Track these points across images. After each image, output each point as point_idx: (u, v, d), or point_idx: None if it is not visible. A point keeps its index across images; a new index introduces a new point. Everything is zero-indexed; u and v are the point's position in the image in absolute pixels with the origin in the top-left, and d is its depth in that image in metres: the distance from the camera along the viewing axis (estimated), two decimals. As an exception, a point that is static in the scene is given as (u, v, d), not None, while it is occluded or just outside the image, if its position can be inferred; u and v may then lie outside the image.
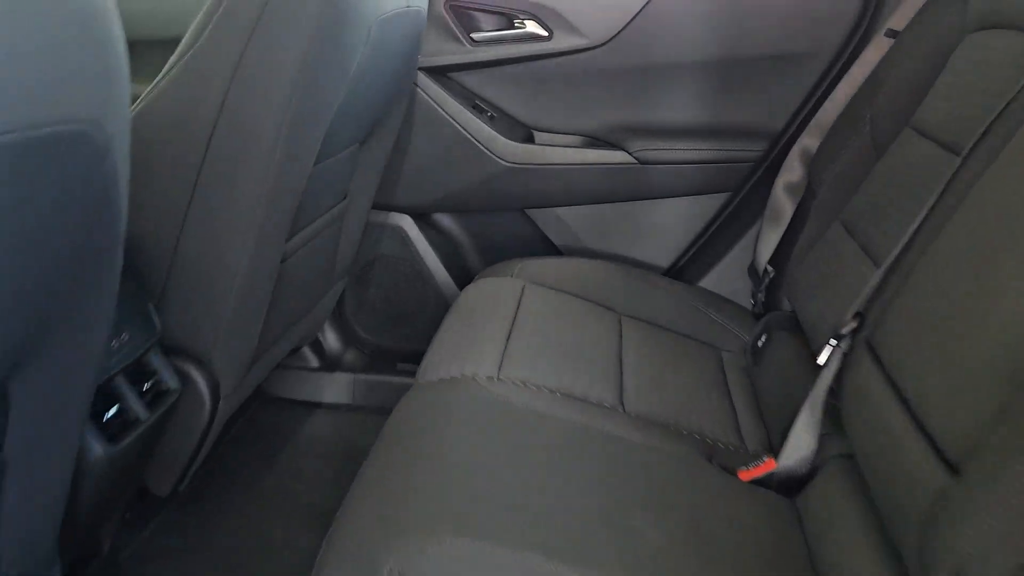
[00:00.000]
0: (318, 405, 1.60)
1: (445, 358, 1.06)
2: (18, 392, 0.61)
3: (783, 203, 1.35)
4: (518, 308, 1.20)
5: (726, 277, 1.48)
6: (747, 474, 0.96)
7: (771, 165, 1.43)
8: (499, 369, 1.02)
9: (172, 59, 0.90)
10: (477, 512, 0.75)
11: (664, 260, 1.51)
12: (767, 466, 0.96)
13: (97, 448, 0.80)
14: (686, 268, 1.53)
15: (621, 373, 1.11)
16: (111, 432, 0.84)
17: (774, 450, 1.01)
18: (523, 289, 1.27)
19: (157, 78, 0.90)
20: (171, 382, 0.94)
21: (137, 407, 0.87)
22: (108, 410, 0.84)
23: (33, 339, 0.58)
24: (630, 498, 0.84)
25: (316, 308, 1.38)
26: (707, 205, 1.47)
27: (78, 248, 0.57)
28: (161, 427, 0.94)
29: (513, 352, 1.07)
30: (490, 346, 1.08)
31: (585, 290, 1.32)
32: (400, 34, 1.14)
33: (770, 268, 1.35)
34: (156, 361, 0.93)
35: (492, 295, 1.25)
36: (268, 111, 0.90)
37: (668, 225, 1.49)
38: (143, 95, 0.91)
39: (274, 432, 1.52)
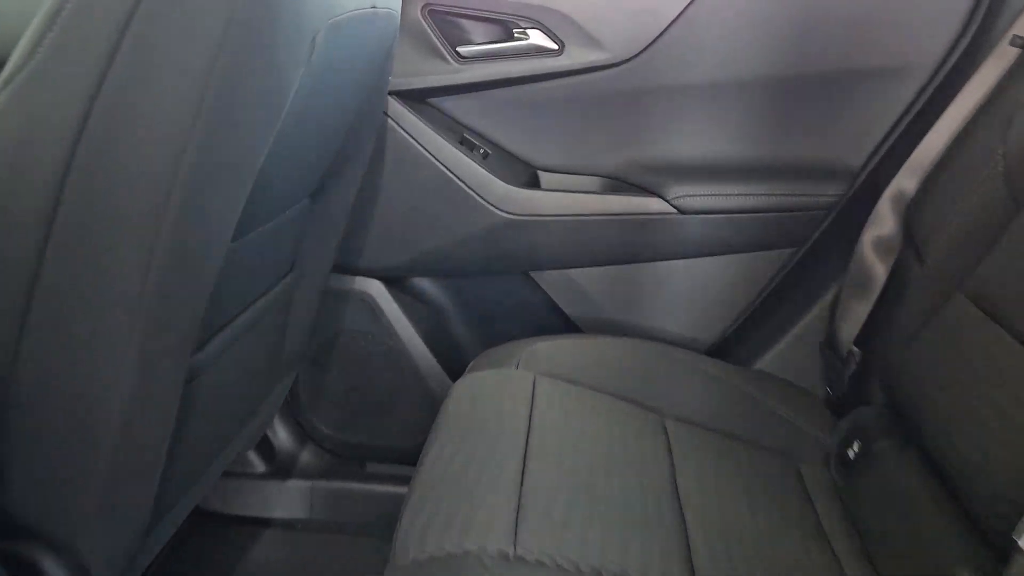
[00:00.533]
0: (267, 522, 1.25)
1: (436, 517, 0.72)
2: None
3: (872, 264, 1.03)
4: (530, 421, 0.88)
5: (789, 357, 1.15)
6: None
7: (850, 214, 1.10)
8: (515, 537, 0.69)
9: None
10: None
11: (708, 335, 1.19)
12: None
13: None
14: (737, 345, 1.20)
15: (683, 520, 0.78)
16: None
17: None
18: (534, 386, 0.95)
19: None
20: (1, 593, 0.59)
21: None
22: None
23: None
24: None
25: (257, 414, 1.03)
26: (765, 265, 1.15)
27: None
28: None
29: (531, 502, 0.74)
30: (500, 494, 0.75)
31: (615, 382, 1.00)
32: (362, 45, 0.81)
33: (856, 349, 1.03)
34: (-27, 565, 0.58)
35: (493, 399, 0.93)
36: (148, 163, 0.56)
37: (714, 291, 1.16)
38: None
39: (210, 560, 1.18)
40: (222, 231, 0.65)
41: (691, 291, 1.16)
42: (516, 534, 0.70)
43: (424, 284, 1.23)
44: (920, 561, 0.76)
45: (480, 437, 0.84)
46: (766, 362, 1.16)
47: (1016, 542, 0.62)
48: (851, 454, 0.95)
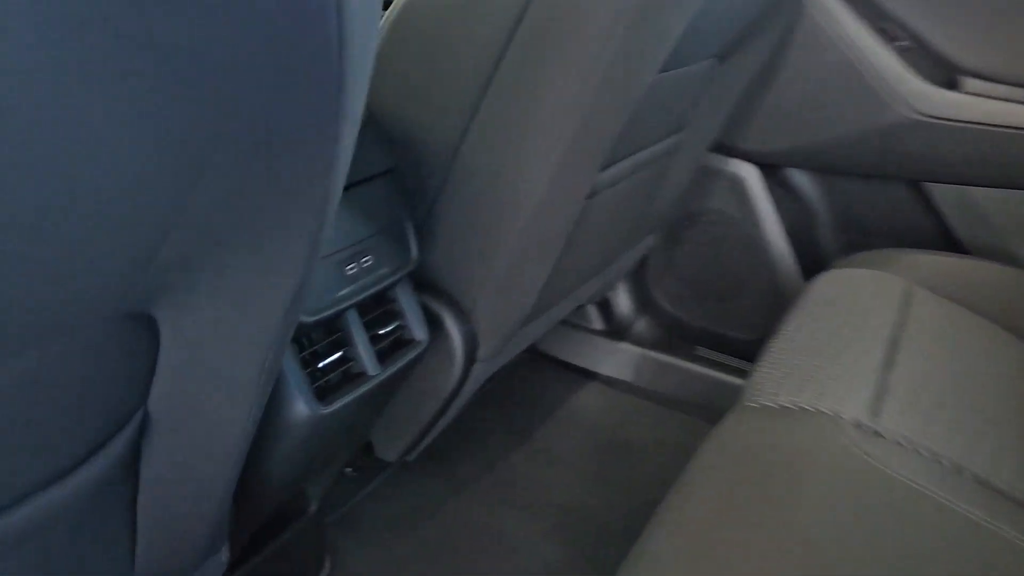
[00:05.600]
0: (592, 375, 1.34)
1: (791, 375, 0.72)
2: (172, 325, 0.39)
3: None
4: (902, 322, 0.83)
5: None
6: None
7: None
8: (874, 412, 0.67)
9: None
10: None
11: None
12: None
13: (301, 407, 0.59)
14: None
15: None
16: (326, 385, 0.62)
17: None
18: (909, 294, 0.89)
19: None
20: (417, 331, 0.71)
21: (365, 358, 0.64)
22: (326, 357, 0.62)
23: (194, 248, 0.34)
24: None
25: (615, 262, 1.09)
26: None
27: (267, 123, 0.31)
28: (395, 384, 0.72)
29: (895, 388, 0.71)
30: (862, 372, 0.73)
31: (999, 310, 0.91)
32: None
33: None
34: (403, 300, 0.70)
35: (862, 294, 0.89)
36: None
37: None
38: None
39: (533, 397, 1.29)
40: (654, 59, 0.69)
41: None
42: (877, 408, 0.67)
43: (799, 177, 1.19)
44: None
45: (845, 322, 0.82)
46: None
47: None
48: None
